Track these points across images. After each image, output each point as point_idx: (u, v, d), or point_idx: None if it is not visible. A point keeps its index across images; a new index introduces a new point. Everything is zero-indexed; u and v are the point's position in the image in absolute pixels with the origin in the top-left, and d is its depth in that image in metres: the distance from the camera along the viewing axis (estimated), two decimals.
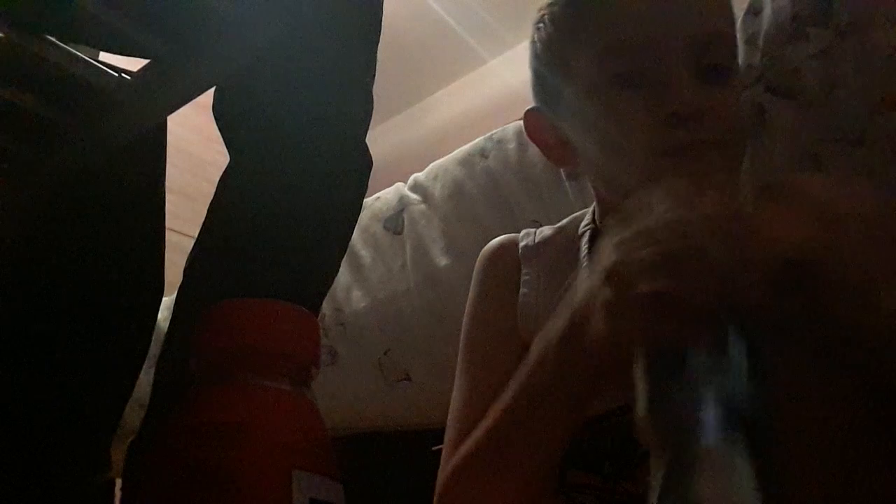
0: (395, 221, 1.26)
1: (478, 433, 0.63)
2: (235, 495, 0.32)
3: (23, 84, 0.57)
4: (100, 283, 0.72)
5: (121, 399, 0.72)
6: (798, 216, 0.50)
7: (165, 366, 0.68)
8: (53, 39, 0.55)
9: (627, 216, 0.50)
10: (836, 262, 0.48)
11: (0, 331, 0.68)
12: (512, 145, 1.14)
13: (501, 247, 0.80)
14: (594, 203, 0.77)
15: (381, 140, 1.19)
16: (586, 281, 0.53)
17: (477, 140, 1.22)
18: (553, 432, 0.57)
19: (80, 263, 0.71)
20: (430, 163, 1.29)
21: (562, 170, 0.83)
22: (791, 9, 0.72)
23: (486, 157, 1.17)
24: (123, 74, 0.58)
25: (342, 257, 0.76)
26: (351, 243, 0.94)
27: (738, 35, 0.74)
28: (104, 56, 0.66)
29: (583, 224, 0.78)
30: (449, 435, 0.72)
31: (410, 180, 1.30)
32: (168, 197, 0.79)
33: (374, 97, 0.77)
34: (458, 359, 0.78)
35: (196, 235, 0.72)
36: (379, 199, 1.32)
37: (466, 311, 0.79)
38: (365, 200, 0.81)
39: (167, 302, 0.81)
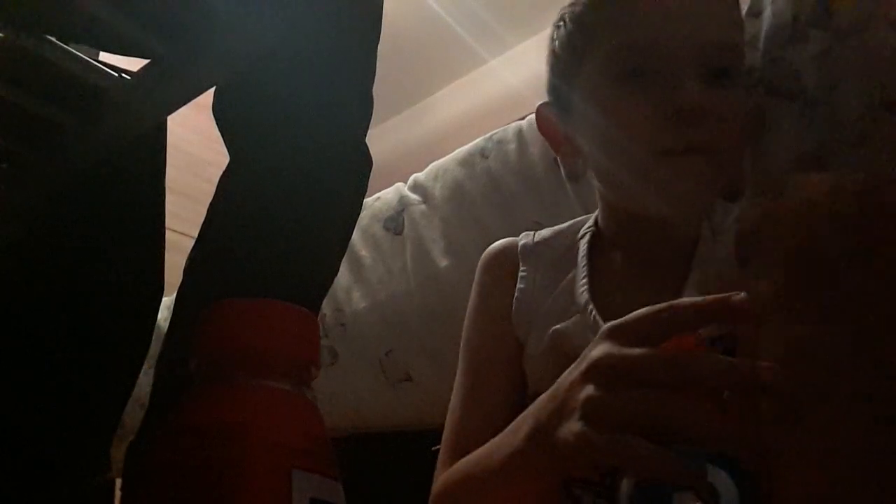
0: (395, 222, 1.26)
1: (468, 464, 0.64)
2: (235, 495, 0.32)
3: (23, 84, 0.56)
4: (99, 283, 0.72)
5: (121, 399, 0.72)
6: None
7: (165, 366, 0.68)
8: (53, 39, 0.55)
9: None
10: None
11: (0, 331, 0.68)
12: (512, 146, 1.14)
13: (502, 250, 0.81)
14: (598, 207, 0.77)
15: (381, 140, 1.19)
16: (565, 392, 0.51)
17: (477, 140, 1.22)
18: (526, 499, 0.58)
19: (79, 263, 0.71)
20: (430, 163, 1.28)
21: (562, 170, 0.83)
22: (791, 10, 0.72)
23: (487, 158, 1.17)
24: (123, 74, 0.58)
25: (342, 257, 0.76)
26: (351, 243, 0.95)
27: None
28: (104, 56, 0.66)
29: (585, 226, 0.78)
30: (446, 436, 0.73)
31: (410, 180, 1.30)
32: (168, 197, 0.78)
33: (374, 97, 0.77)
34: (459, 360, 0.78)
35: (196, 235, 0.72)
36: (379, 200, 1.32)
37: (467, 313, 0.79)
38: (365, 200, 0.81)
39: (167, 302, 0.81)
